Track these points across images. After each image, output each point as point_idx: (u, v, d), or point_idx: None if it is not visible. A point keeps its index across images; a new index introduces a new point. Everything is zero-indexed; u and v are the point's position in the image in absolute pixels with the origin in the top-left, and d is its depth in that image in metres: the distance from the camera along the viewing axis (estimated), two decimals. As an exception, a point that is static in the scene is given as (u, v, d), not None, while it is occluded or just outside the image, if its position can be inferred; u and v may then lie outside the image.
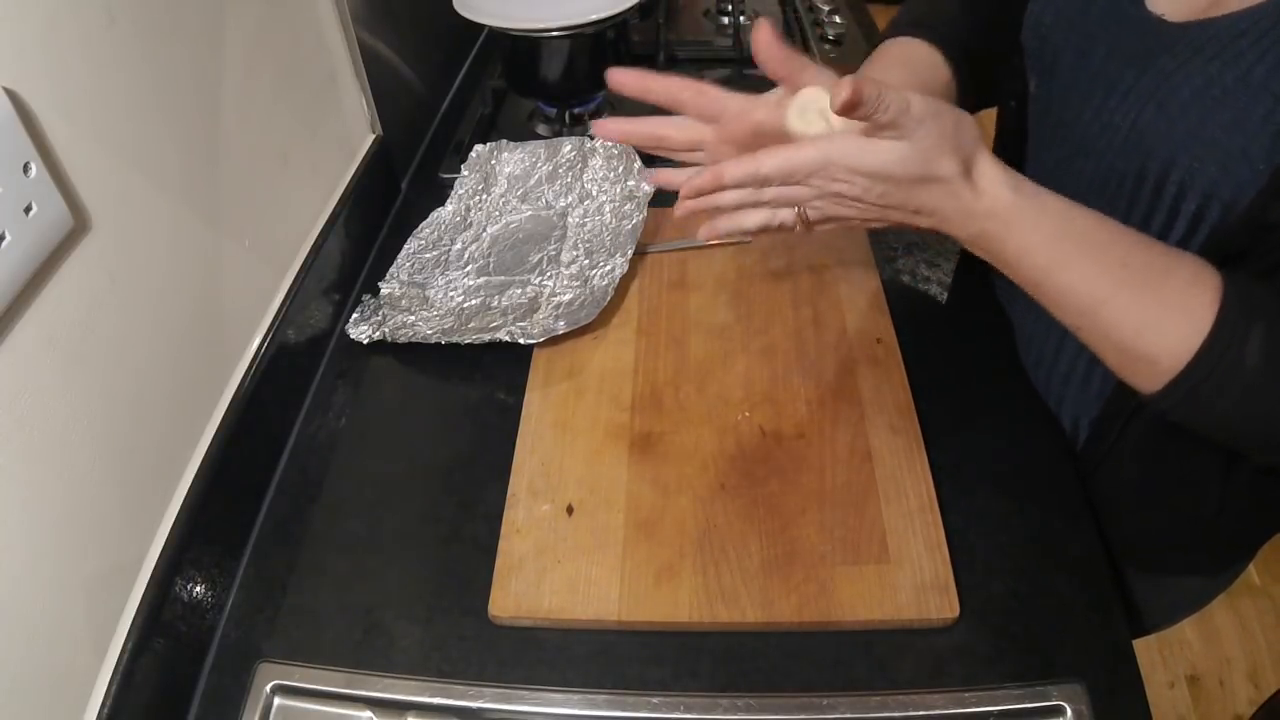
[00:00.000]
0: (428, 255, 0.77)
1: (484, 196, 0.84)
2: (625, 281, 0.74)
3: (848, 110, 0.43)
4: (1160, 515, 0.63)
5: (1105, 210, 0.55)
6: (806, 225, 0.50)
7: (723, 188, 0.49)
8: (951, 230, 0.48)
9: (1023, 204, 0.46)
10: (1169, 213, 0.51)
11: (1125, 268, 0.45)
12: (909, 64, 0.64)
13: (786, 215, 0.50)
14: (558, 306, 0.72)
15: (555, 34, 0.87)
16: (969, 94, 0.66)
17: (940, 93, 0.64)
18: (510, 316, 0.72)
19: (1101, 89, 0.53)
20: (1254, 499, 0.60)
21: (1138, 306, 0.46)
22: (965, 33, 0.65)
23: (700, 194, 0.50)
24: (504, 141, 0.87)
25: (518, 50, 0.91)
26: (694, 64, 1.11)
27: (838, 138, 0.46)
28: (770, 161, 0.46)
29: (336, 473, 0.64)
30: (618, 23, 0.90)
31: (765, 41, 0.47)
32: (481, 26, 0.89)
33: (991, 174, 0.46)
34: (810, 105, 0.48)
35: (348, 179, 0.81)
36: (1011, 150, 0.68)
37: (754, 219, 0.51)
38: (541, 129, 1.00)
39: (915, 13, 0.68)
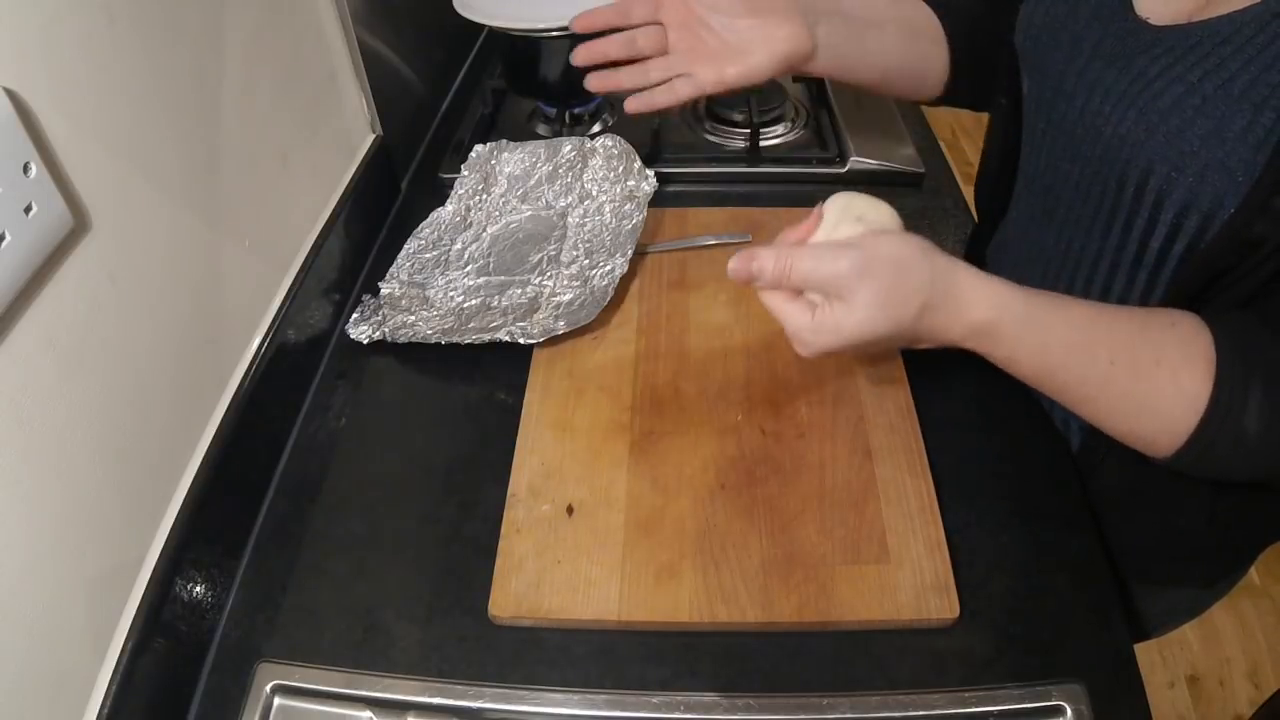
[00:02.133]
0: (428, 255, 0.77)
1: (484, 196, 0.84)
2: (625, 281, 0.74)
3: (743, 283, 0.49)
4: (1150, 524, 0.63)
5: (1090, 214, 0.55)
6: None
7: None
8: (937, 347, 0.50)
9: (996, 325, 0.47)
10: (1149, 221, 0.51)
11: (1113, 365, 0.47)
12: (909, 22, 0.68)
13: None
14: (558, 306, 0.72)
15: (555, 34, 0.87)
16: (962, 77, 0.67)
17: (934, 57, 0.68)
18: (510, 316, 0.72)
19: (1085, 91, 0.53)
20: (1244, 511, 0.60)
21: (1130, 398, 0.47)
22: (971, 19, 0.66)
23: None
24: (504, 141, 0.87)
25: (518, 50, 0.91)
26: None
27: (817, 313, 0.48)
28: (799, 269, 0.48)
29: (336, 473, 0.64)
30: (618, 23, 0.90)
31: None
32: (481, 26, 0.89)
33: (964, 300, 0.47)
34: (845, 212, 0.52)
35: (348, 179, 0.81)
36: (1002, 153, 0.68)
37: None
38: (541, 129, 1.00)
39: None
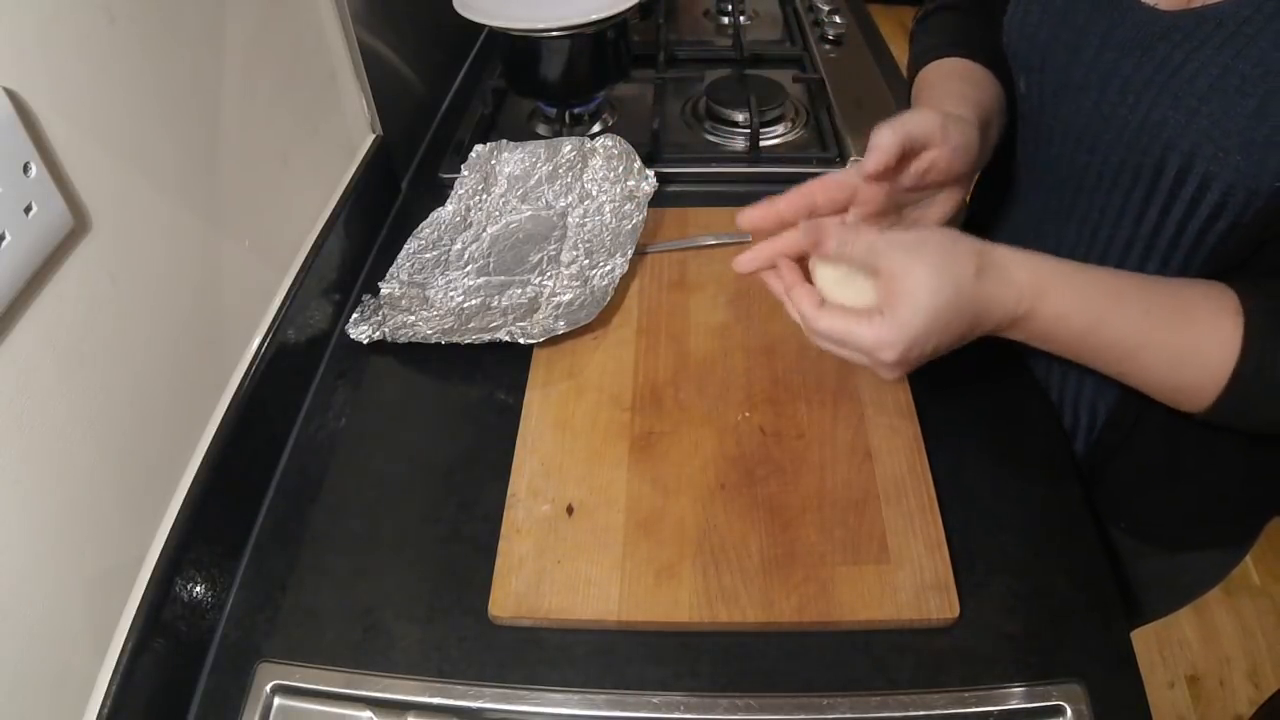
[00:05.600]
0: (428, 255, 0.77)
1: (484, 196, 0.84)
2: (625, 281, 0.74)
3: (811, 246, 0.51)
4: (1186, 491, 0.64)
5: (1119, 202, 0.56)
6: None
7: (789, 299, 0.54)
8: (993, 328, 0.50)
9: (1044, 278, 0.48)
10: (1189, 203, 0.51)
11: (1148, 315, 0.48)
12: (968, 79, 0.64)
13: None
14: (558, 306, 0.72)
15: (555, 34, 0.87)
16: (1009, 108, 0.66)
17: (997, 108, 0.63)
18: (510, 316, 0.72)
19: (1098, 81, 0.54)
20: (1275, 464, 0.61)
21: (1172, 345, 0.48)
22: (996, 50, 0.64)
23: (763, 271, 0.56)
24: (504, 141, 0.87)
25: (518, 50, 0.91)
26: (694, 64, 1.11)
27: (878, 324, 0.48)
28: (821, 324, 0.50)
29: (336, 473, 0.64)
30: (618, 23, 0.90)
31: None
32: (481, 26, 0.89)
33: (1007, 260, 0.48)
34: (840, 278, 0.52)
35: (348, 179, 0.81)
36: (1001, 155, 0.67)
37: None
38: (541, 129, 1.00)
39: (947, 34, 0.68)
